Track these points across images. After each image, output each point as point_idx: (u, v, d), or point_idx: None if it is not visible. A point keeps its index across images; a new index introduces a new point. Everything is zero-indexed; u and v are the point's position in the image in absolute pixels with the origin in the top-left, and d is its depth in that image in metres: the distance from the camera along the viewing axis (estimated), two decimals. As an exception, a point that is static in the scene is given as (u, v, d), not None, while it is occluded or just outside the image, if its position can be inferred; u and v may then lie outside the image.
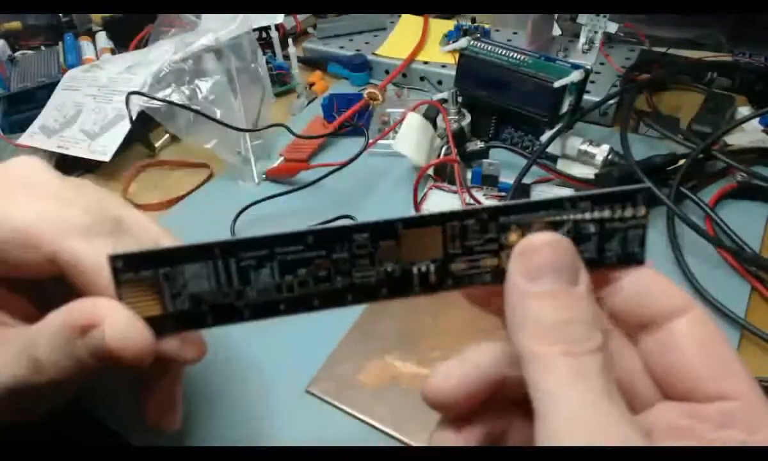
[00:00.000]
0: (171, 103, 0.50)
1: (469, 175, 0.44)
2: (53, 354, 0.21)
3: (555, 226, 0.20)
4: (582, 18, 0.57)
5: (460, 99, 0.48)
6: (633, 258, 0.20)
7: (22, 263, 0.22)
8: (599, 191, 0.20)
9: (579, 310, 0.18)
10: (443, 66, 0.60)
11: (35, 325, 0.22)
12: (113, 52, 0.66)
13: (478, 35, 0.52)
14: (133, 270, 0.20)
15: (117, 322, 0.20)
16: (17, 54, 0.66)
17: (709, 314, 0.20)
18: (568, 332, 0.17)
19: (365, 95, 0.54)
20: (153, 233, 0.26)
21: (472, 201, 0.42)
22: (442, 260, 0.21)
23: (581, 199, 0.20)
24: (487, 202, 0.42)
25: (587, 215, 0.20)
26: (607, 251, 0.20)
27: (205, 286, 0.21)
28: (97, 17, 0.71)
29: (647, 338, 0.20)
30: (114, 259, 0.19)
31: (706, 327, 0.19)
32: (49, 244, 0.22)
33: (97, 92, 0.55)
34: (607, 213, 0.20)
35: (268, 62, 0.59)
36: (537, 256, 0.19)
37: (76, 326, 0.20)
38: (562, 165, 0.47)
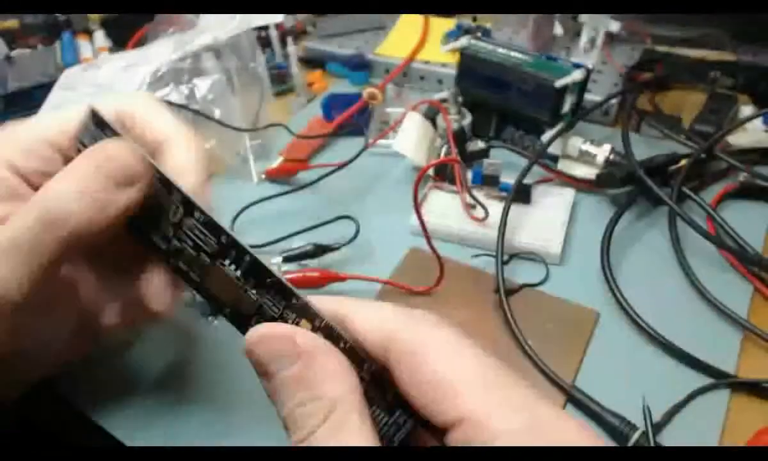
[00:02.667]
0: (169, 102, 0.49)
1: (469, 175, 0.44)
2: (73, 182, 0.23)
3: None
4: (583, 17, 0.57)
5: (460, 99, 0.48)
6: None
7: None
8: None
9: (316, 384, 0.19)
10: (444, 65, 0.59)
11: (40, 192, 0.23)
12: (111, 51, 0.66)
13: (479, 34, 0.51)
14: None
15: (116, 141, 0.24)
16: (14, 53, 0.66)
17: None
18: (319, 406, 0.18)
19: (365, 95, 0.53)
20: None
21: (472, 201, 0.41)
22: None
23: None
24: (488, 202, 0.42)
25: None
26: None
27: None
28: (94, 16, 0.70)
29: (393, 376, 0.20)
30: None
31: (413, 351, 0.19)
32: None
33: (95, 91, 0.55)
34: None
35: (267, 61, 0.58)
36: (265, 356, 0.19)
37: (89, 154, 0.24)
38: (563, 165, 0.47)
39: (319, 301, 0.20)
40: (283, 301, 0.21)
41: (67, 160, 0.25)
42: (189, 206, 0.22)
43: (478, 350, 0.19)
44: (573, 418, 0.18)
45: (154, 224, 0.24)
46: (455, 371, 0.18)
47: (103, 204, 0.23)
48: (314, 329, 0.20)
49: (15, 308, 0.23)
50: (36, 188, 0.24)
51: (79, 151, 0.25)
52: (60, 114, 0.26)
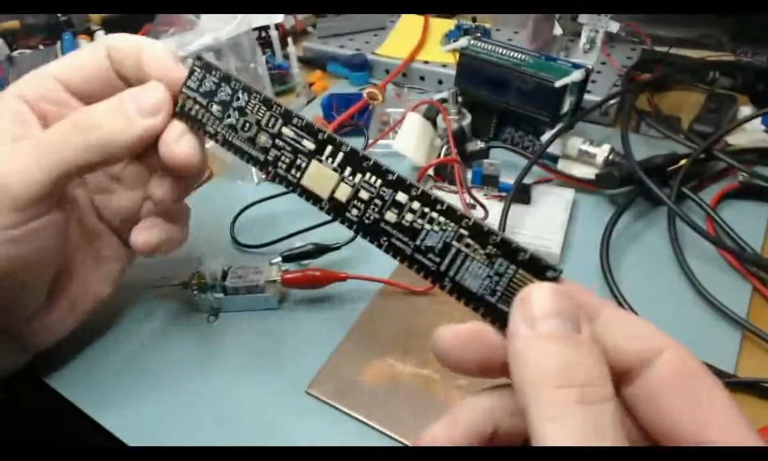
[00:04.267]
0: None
1: (469, 175, 0.44)
2: (107, 114, 0.27)
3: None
4: (583, 17, 0.57)
5: (460, 99, 0.48)
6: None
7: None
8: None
9: (587, 355, 0.17)
10: (444, 66, 0.59)
11: (85, 108, 0.28)
12: (112, 51, 0.66)
13: (479, 35, 0.51)
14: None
15: (150, 82, 0.28)
16: (15, 53, 0.66)
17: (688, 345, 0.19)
18: (578, 377, 0.17)
19: (365, 95, 0.53)
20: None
21: (472, 201, 0.41)
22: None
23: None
24: (487, 202, 0.42)
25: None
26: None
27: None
28: (95, 16, 0.70)
29: (628, 388, 0.19)
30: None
31: (684, 367, 0.18)
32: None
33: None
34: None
35: (267, 62, 0.58)
36: (539, 302, 0.18)
37: (126, 91, 0.28)
38: (562, 165, 0.47)
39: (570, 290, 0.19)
40: (379, 179, 0.23)
41: (75, 94, 0.29)
42: (288, 115, 0.25)
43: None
44: None
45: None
46: (725, 403, 0.18)
47: (132, 122, 0.27)
48: (412, 199, 0.22)
49: (27, 204, 0.26)
50: (41, 117, 0.28)
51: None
52: (69, 56, 0.30)
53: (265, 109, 0.25)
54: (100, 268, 0.33)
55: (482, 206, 0.41)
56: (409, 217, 0.22)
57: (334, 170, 0.24)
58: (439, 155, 0.46)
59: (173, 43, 0.55)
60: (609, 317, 0.19)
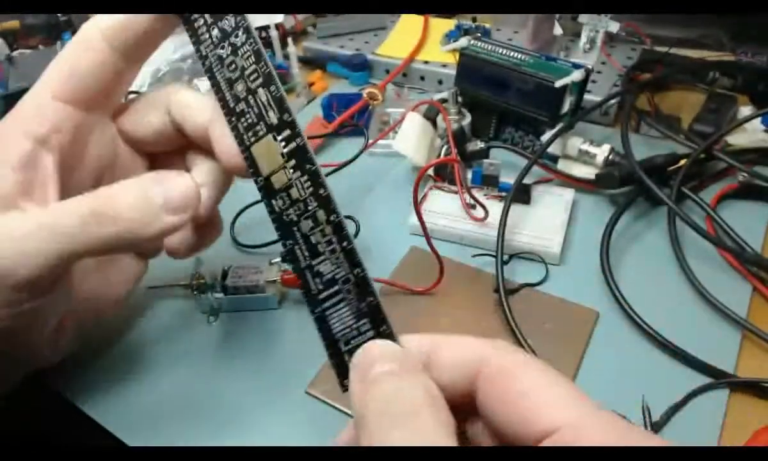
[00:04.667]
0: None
1: (469, 175, 0.44)
2: (127, 194, 0.25)
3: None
4: (583, 17, 0.57)
5: (460, 99, 0.48)
6: None
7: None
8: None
9: (411, 388, 0.19)
10: (444, 66, 0.59)
11: (95, 193, 0.25)
12: (112, 51, 0.66)
13: (479, 35, 0.51)
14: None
15: (183, 176, 0.26)
16: (15, 53, 0.66)
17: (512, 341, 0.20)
18: (403, 409, 0.18)
19: (365, 95, 0.53)
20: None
21: (472, 201, 0.41)
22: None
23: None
24: (487, 202, 0.42)
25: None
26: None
27: None
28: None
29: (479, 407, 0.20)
30: None
31: (501, 371, 0.19)
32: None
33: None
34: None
35: (267, 62, 0.58)
36: (365, 357, 0.20)
37: (155, 176, 0.25)
38: (562, 165, 0.47)
39: (405, 340, 0.21)
40: (312, 187, 0.23)
41: (79, 104, 0.26)
42: (269, 78, 0.24)
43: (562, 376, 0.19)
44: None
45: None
46: (548, 384, 0.19)
47: (157, 219, 0.25)
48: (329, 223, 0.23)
49: (31, 287, 0.24)
50: (53, 149, 0.26)
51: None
52: (66, 63, 0.27)
53: (254, 60, 0.25)
54: (110, 290, 0.32)
55: (482, 206, 0.41)
56: (317, 237, 0.23)
57: (281, 155, 0.24)
58: (439, 155, 0.46)
59: (173, 43, 0.55)
60: (434, 347, 0.20)
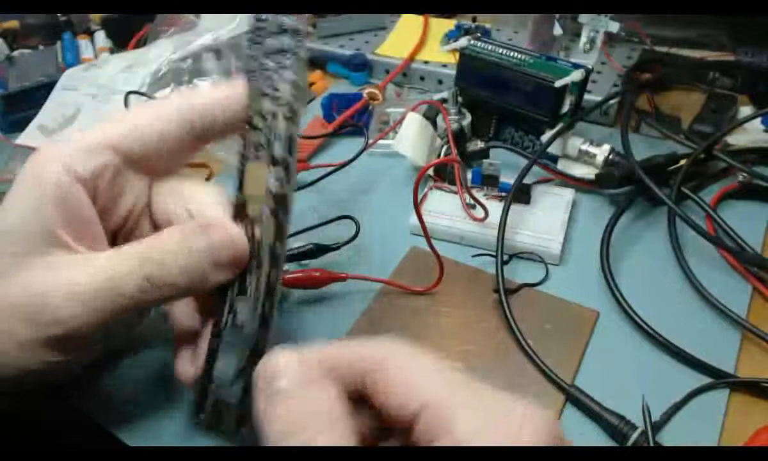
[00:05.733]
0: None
1: (469, 175, 0.44)
2: (180, 257, 0.24)
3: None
4: (583, 17, 0.57)
5: (460, 99, 0.48)
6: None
7: (165, 136, 0.26)
8: None
9: (311, 398, 0.20)
10: (444, 65, 0.59)
11: (148, 244, 0.25)
12: (112, 51, 0.66)
13: (479, 35, 0.51)
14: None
15: (227, 227, 0.25)
16: (15, 53, 0.66)
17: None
18: (305, 420, 0.19)
19: (365, 95, 0.53)
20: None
21: (472, 201, 0.41)
22: None
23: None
24: (487, 202, 0.42)
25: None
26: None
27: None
28: (95, 16, 0.70)
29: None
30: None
31: (381, 363, 0.20)
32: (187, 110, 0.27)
33: (96, 92, 0.55)
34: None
35: (267, 62, 0.58)
36: (268, 370, 0.21)
37: (202, 225, 0.25)
38: (562, 165, 0.47)
39: (308, 351, 0.22)
40: (274, 239, 0.25)
41: (131, 161, 0.26)
42: (292, 112, 0.26)
43: (435, 357, 0.21)
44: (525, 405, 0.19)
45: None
46: (416, 367, 0.20)
47: (206, 278, 0.25)
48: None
49: (71, 343, 0.24)
50: (94, 196, 0.25)
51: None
52: (122, 117, 0.27)
53: (289, 87, 0.26)
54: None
55: (482, 206, 0.41)
56: (253, 284, 0.25)
57: (265, 190, 0.25)
58: (439, 155, 0.46)
59: (173, 43, 0.55)
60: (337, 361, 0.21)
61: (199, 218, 0.26)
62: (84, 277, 0.24)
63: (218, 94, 0.27)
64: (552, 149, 0.46)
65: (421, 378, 0.20)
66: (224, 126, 0.27)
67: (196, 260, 0.24)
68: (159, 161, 0.27)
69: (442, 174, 0.45)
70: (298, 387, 0.20)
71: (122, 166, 0.26)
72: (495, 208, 0.41)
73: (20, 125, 0.54)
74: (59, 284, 0.23)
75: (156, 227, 0.28)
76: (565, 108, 0.47)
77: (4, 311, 0.24)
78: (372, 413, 0.21)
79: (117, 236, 0.28)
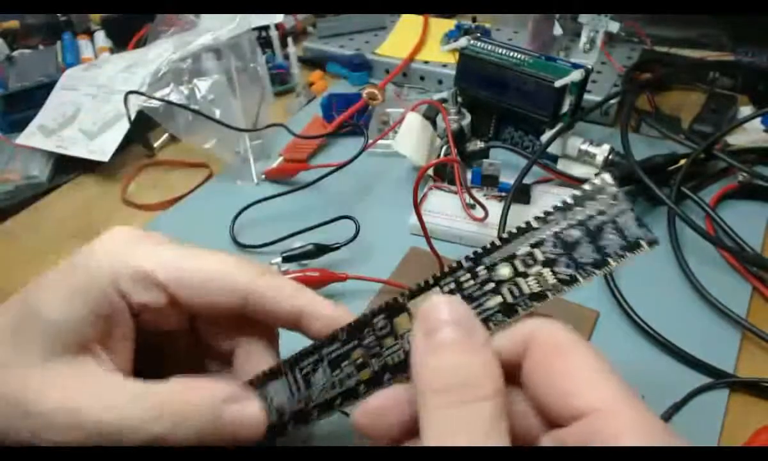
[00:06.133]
0: (170, 102, 0.49)
1: (469, 175, 0.44)
2: (195, 424, 0.23)
3: (538, 245, 0.21)
4: (583, 17, 0.57)
5: (460, 99, 0.48)
6: (638, 244, 0.20)
7: (215, 304, 0.25)
8: (564, 199, 0.21)
9: (470, 358, 0.19)
10: (444, 65, 0.59)
11: (170, 395, 0.23)
12: (112, 51, 0.66)
13: (479, 35, 0.51)
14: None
15: (254, 403, 0.24)
16: (15, 53, 0.66)
17: (570, 322, 0.20)
18: (457, 379, 0.18)
19: (364, 95, 0.53)
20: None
21: (472, 201, 0.41)
22: None
23: (549, 213, 0.21)
24: (487, 202, 0.42)
25: (563, 224, 0.21)
26: (606, 247, 0.20)
27: (283, 398, 0.24)
28: (95, 16, 0.70)
29: (523, 380, 0.20)
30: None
31: (550, 350, 0.20)
32: (244, 285, 0.25)
33: (96, 92, 0.55)
34: (581, 215, 0.21)
35: (267, 62, 0.58)
36: (433, 314, 0.20)
37: (226, 395, 0.24)
38: (562, 165, 0.47)
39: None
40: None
41: (180, 308, 0.25)
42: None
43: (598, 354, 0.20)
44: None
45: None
46: (592, 368, 0.19)
47: (216, 441, 0.24)
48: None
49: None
50: (134, 313, 0.24)
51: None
52: (190, 268, 0.25)
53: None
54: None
55: (482, 206, 0.41)
56: (344, 369, 0.24)
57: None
58: (439, 155, 0.46)
59: (173, 43, 0.55)
60: None
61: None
62: (92, 408, 0.23)
63: (303, 308, 0.25)
64: (552, 149, 0.46)
65: (592, 377, 0.19)
66: (279, 322, 0.26)
67: (215, 429, 0.23)
68: (199, 311, 0.26)
69: (442, 174, 0.45)
70: (463, 347, 0.19)
71: (165, 302, 0.25)
72: (495, 208, 0.41)
73: (20, 125, 0.54)
74: (64, 405, 0.22)
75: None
76: (565, 108, 0.47)
77: (7, 399, 0.23)
78: (512, 386, 0.21)
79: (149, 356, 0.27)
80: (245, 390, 0.25)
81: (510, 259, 0.21)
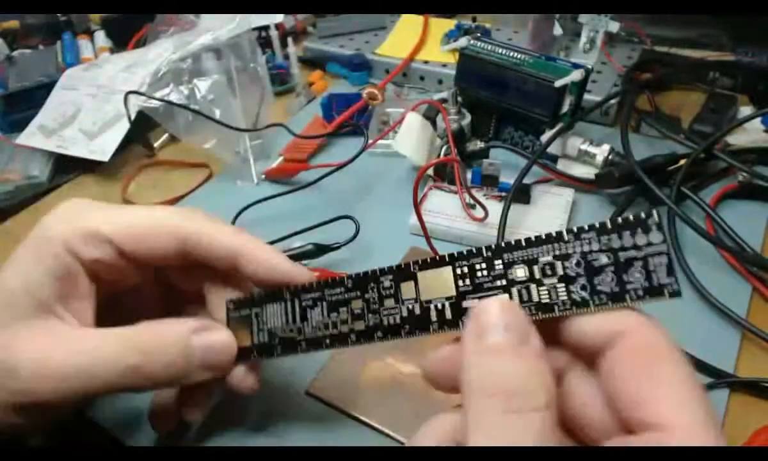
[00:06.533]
0: (169, 102, 0.49)
1: (469, 175, 0.44)
2: (166, 355, 0.25)
3: (563, 258, 0.20)
4: (583, 17, 0.57)
5: (460, 99, 0.48)
6: (662, 290, 0.19)
7: (158, 249, 0.26)
8: (604, 221, 0.20)
9: (524, 366, 0.18)
10: (444, 65, 0.59)
11: (138, 332, 0.25)
12: (112, 51, 0.66)
13: (479, 35, 0.51)
14: (239, 309, 0.27)
15: (222, 331, 0.27)
16: (15, 53, 0.66)
17: (664, 324, 0.20)
18: (509, 386, 0.18)
19: (364, 95, 0.53)
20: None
21: (472, 201, 0.41)
22: (455, 297, 0.22)
23: (584, 230, 0.20)
24: (487, 202, 0.42)
25: (594, 246, 0.20)
26: (627, 283, 0.19)
27: (278, 323, 0.26)
28: (95, 16, 0.70)
29: (600, 364, 0.20)
30: (228, 301, 0.28)
31: (643, 351, 0.19)
32: (182, 228, 0.26)
33: (96, 92, 0.55)
34: (616, 242, 0.20)
35: (267, 62, 0.58)
36: (486, 316, 0.19)
37: (195, 326, 0.26)
38: (562, 165, 0.47)
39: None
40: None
41: (129, 260, 0.26)
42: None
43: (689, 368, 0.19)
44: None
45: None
46: (679, 381, 0.18)
47: (193, 373, 0.26)
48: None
49: (54, 410, 0.24)
50: (91, 274, 0.26)
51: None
52: (131, 220, 0.27)
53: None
54: None
55: (482, 206, 0.41)
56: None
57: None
58: (439, 155, 0.46)
59: (173, 43, 0.55)
60: None
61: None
62: (61, 354, 0.24)
63: (239, 249, 0.27)
64: (552, 149, 0.46)
65: (680, 394, 0.18)
66: (218, 262, 0.27)
67: (187, 357, 0.25)
68: (155, 261, 0.27)
69: (442, 174, 0.45)
70: (514, 352, 0.18)
71: (119, 258, 0.26)
72: (495, 208, 0.41)
73: (20, 125, 0.54)
74: (33, 355, 0.24)
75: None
76: (565, 108, 0.47)
77: None
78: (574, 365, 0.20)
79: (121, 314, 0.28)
80: (214, 322, 0.27)
81: (530, 263, 0.21)
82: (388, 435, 0.31)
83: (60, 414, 0.26)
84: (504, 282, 0.21)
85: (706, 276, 0.37)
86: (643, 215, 0.20)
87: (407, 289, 0.23)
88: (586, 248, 0.20)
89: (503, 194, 0.43)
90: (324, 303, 0.25)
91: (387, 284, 0.23)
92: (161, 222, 0.26)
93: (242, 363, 0.27)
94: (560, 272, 0.20)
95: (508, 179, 0.43)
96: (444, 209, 0.43)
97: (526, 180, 0.43)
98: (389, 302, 0.23)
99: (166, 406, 0.29)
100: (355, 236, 0.40)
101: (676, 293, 0.19)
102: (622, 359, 0.19)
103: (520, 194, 0.42)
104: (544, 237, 0.21)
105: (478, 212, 0.41)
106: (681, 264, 0.39)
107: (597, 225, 0.20)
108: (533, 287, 0.21)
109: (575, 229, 0.20)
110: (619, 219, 0.20)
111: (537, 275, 0.21)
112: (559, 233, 0.20)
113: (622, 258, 0.20)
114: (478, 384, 0.18)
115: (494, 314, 0.19)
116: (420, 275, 0.23)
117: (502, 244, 0.21)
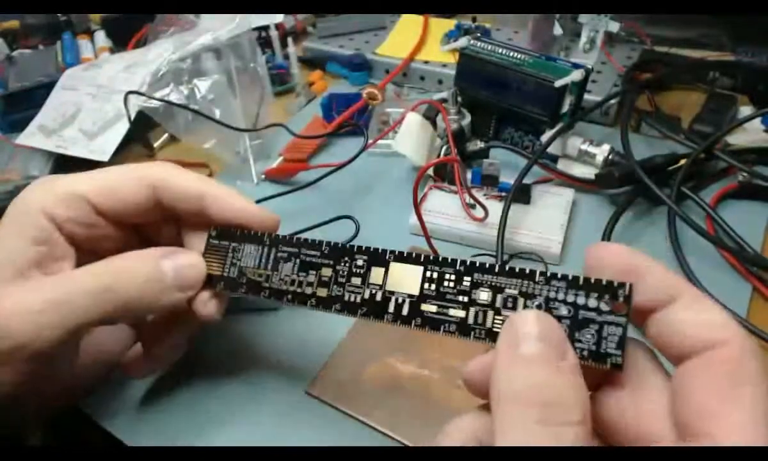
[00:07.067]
0: (169, 102, 0.49)
1: (469, 175, 0.44)
2: (138, 275, 0.26)
3: (527, 296, 0.21)
4: (583, 17, 0.57)
5: (460, 99, 0.48)
6: (605, 359, 0.19)
7: (131, 201, 0.28)
8: (577, 276, 0.20)
9: (560, 379, 0.18)
10: (444, 65, 0.59)
11: (109, 259, 0.26)
12: (112, 51, 0.66)
13: (479, 35, 0.51)
14: (219, 239, 0.29)
15: (191, 254, 0.28)
16: (15, 53, 0.66)
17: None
18: (543, 398, 0.17)
19: (364, 95, 0.53)
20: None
21: (472, 201, 0.41)
22: (417, 297, 0.23)
23: (556, 278, 0.20)
24: (487, 202, 0.42)
25: (560, 295, 0.20)
26: (577, 341, 0.20)
27: (250, 263, 0.27)
28: (95, 16, 0.70)
29: (680, 367, 0.19)
30: (211, 228, 0.29)
31: (728, 362, 0.18)
32: (150, 175, 0.28)
33: (96, 92, 0.55)
34: (581, 299, 0.20)
35: (267, 62, 0.58)
36: (524, 327, 0.19)
37: (164, 251, 0.27)
38: (562, 165, 0.47)
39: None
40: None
41: (107, 218, 0.28)
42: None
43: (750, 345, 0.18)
44: None
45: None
46: (757, 408, 0.17)
47: (167, 295, 0.27)
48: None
49: (38, 357, 0.24)
50: (68, 237, 0.27)
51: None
52: (102, 176, 0.28)
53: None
54: (104, 355, 0.33)
55: (482, 206, 0.41)
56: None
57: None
58: (439, 154, 0.46)
59: (173, 43, 0.55)
60: (687, 301, 0.20)
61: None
62: (33, 294, 0.25)
63: (205, 191, 0.28)
64: (552, 149, 0.46)
65: (742, 409, 0.17)
66: (186, 205, 0.28)
67: (159, 278, 0.26)
68: (129, 217, 0.28)
69: (442, 174, 0.45)
70: (548, 365, 0.18)
71: (94, 215, 0.28)
72: (495, 208, 0.41)
73: (20, 125, 0.54)
74: (10, 300, 0.24)
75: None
76: (565, 108, 0.47)
77: None
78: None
79: None
80: (183, 249, 0.28)
81: (496, 290, 0.21)
82: (388, 435, 0.31)
83: (47, 371, 0.26)
84: (465, 300, 0.22)
85: (706, 276, 0.37)
86: (616, 283, 0.20)
87: (377, 275, 0.24)
88: (552, 295, 0.20)
89: (503, 194, 0.43)
90: (297, 260, 0.26)
91: (360, 262, 0.24)
92: (131, 172, 0.28)
93: (208, 288, 0.28)
94: (520, 308, 0.21)
95: (508, 179, 0.43)
96: (444, 209, 0.43)
97: (527, 180, 0.43)
98: (356, 281, 0.24)
99: (136, 353, 0.31)
100: (355, 236, 0.40)
101: (617, 366, 0.19)
102: (708, 367, 0.18)
103: (520, 194, 0.42)
104: (517, 271, 0.21)
105: (478, 212, 0.41)
106: (681, 264, 0.39)
107: (569, 277, 0.20)
108: (490, 313, 0.21)
109: (548, 273, 0.21)
110: (593, 279, 0.20)
111: (498, 304, 0.21)
112: (532, 272, 0.21)
113: (580, 316, 0.20)
114: (511, 392, 0.18)
115: (530, 324, 0.19)
116: (392, 265, 0.24)
117: (477, 264, 0.22)
